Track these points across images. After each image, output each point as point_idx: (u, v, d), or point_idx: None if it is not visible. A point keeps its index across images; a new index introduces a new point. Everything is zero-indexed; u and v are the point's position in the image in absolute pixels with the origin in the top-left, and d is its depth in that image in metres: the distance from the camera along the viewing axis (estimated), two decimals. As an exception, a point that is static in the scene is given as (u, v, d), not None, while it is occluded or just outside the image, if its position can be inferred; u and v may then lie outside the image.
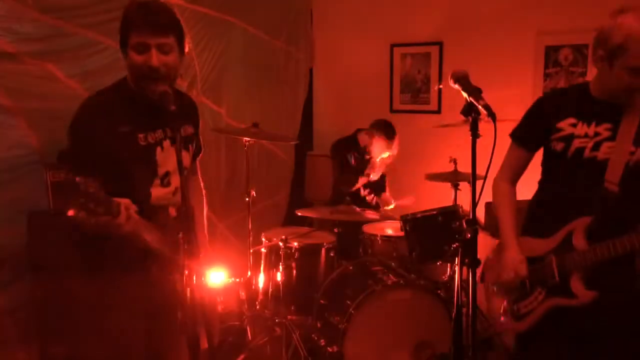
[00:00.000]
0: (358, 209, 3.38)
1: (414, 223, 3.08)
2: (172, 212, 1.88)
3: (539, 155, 2.12)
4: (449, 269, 3.34)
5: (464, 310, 2.00)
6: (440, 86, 4.52)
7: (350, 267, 3.12)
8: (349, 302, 2.74)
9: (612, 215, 1.91)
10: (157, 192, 1.83)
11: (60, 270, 2.37)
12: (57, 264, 2.43)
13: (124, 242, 1.63)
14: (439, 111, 4.56)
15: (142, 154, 1.77)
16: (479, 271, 1.84)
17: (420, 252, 3.06)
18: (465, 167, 3.34)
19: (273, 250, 3.32)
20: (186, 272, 1.61)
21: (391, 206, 4.13)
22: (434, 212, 3.08)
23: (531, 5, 4.08)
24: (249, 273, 3.34)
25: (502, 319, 2.14)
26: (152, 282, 1.80)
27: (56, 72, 2.71)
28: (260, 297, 3.38)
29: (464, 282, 1.89)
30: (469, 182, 2.51)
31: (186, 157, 1.92)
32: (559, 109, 1.99)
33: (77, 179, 1.41)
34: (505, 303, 2.13)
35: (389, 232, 3.47)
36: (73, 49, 2.78)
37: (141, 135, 1.77)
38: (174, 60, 1.74)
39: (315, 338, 2.93)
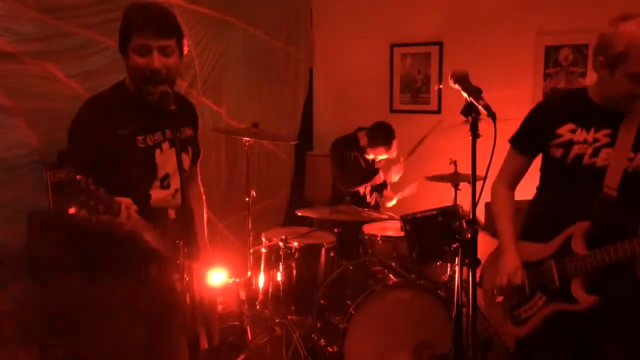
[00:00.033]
0: (358, 209, 3.38)
1: (414, 223, 3.08)
2: (172, 214, 1.88)
3: (538, 157, 2.12)
4: (449, 269, 3.34)
5: (464, 310, 1.99)
6: (440, 86, 4.52)
7: (351, 267, 3.12)
8: (349, 302, 2.74)
9: (611, 221, 1.91)
10: (156, 194, 1.82)
11: (60, 270, 2.37)
12: (57, 264, 2.43)
13: (124, 242, 1.63)
14: (439, 111, 4.57)
15: (142, 156, 1.77)
16: (478, 272, 1.83)
17: (420, 252, 3.06)
18: (465, 168, 3.34)
19: (273, 250, 3.32)
20: (186, 277, 1.61)
21: (393, 202, 4.11)
22: (434, 212, 3.08)
23: (531, 5, 4.08)
24: (249, 273, 3.34)
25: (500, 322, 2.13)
26: (152, 282, 1.79)
27: (56, 72, 2.71)
28: (260, 297, 3.38)
29: (464, 282, 1.88)
30: (469, 183, 2.51)
31: (185, 160, 1.92)
32: (558, 114, 1.98)
33: (78, 177, 1.40)
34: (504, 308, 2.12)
35: (389, 232, 3.46)
36: (73, 49, 2.78)
37: (140, 138, 1.76)
38: (175, 63, 1.74)
39: (315, 338, 2.93)
